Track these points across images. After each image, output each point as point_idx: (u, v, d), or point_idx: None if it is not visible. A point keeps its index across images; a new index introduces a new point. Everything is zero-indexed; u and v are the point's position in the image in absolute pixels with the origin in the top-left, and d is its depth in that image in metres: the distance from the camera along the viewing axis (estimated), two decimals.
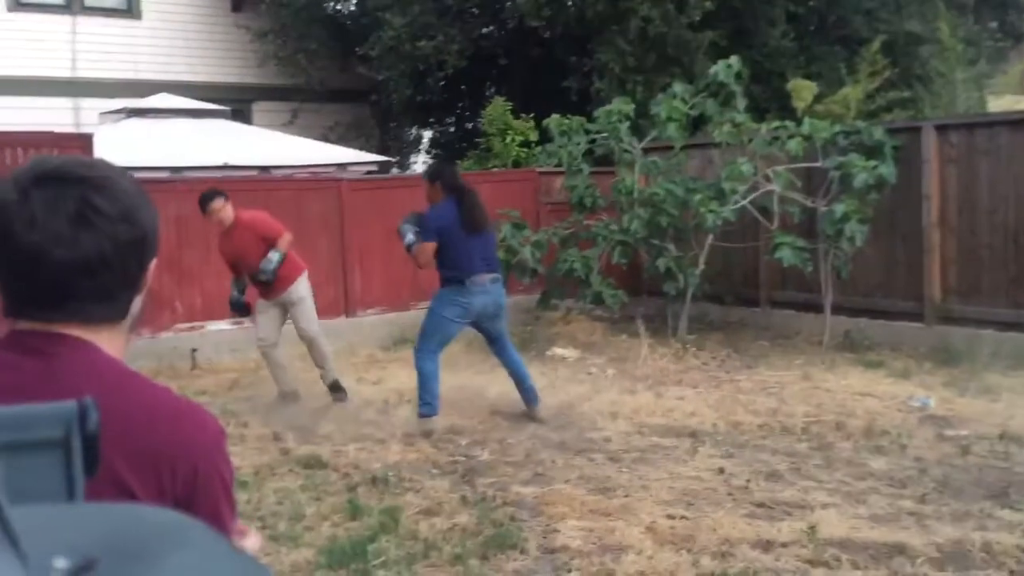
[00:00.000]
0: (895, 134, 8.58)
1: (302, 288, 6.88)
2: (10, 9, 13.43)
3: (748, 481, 4.99)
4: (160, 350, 8.76)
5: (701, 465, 5.32)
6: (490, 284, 6.10)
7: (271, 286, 6.71)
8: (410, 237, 6.10)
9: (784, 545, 4.08)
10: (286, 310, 6.92)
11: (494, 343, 6.40)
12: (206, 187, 9.29)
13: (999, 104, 14.07)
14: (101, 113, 11.99)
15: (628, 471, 5.25)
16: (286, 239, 6.68)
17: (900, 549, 4.01)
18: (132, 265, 1.25)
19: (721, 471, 5.19)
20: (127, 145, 10.38)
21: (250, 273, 6.74)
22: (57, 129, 11.50)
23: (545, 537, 4.23)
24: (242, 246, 6.68)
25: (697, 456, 5.52)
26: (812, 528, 4.22)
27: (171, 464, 1.19)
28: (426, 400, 6.13)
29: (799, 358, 8.29)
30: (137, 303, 1.30)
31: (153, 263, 1.30)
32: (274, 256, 6.59)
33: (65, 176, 1.20)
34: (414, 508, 4.61)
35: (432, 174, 6.41)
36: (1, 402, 1.13)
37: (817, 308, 8.85)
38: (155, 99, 11.88)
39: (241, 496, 4.78)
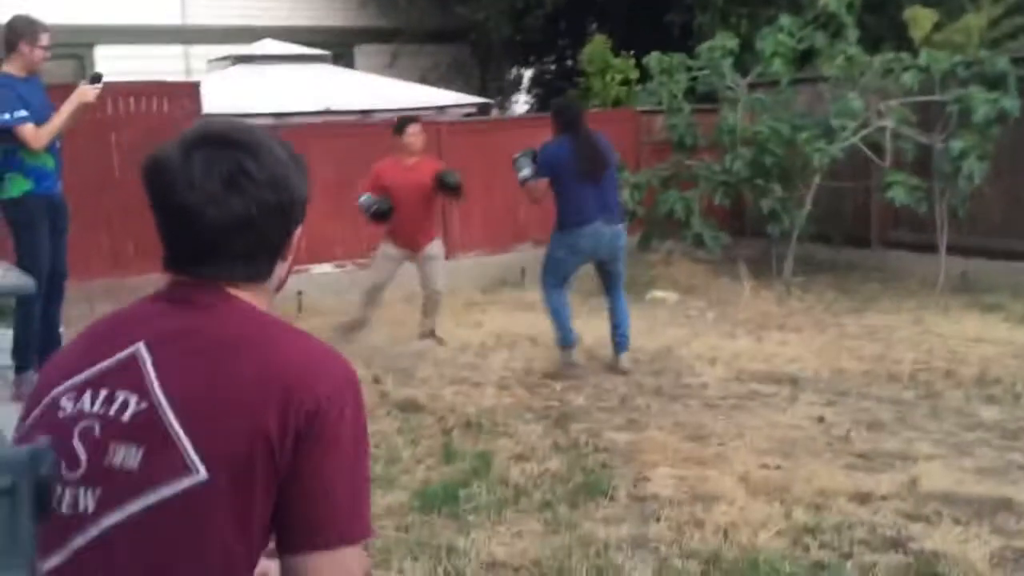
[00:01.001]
0: (1021, 64, 8.05)
1: (438, 247, 7.03)
2: None
3: (849, 430, 4.86)
4: None
5: (800, 413, 5.21)
6: (603, 227, 5.96)
7: (408, 230, 6.73)
8: (526, 172, 6.07)
9: (883, 498, 3.97)
10: (405, 262, 6.99)
11: (608, 286, 6.31)
12: (311, 131, 9.53)
13: None
14: (209, 61, 12.27)
15: (724, 418, 5.17)
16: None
17: (1006, 504, 3.86)
18: (275, 229, 1.32)
19: (821, 420, 5.07)
20: (233, 92, 10.60)
21: (407, 210, 6.72)
22: (168, 77, 11.87)
23: (636, 485, 4.22)
24: (418, 181, 6.71)
25: (797, 404, 5.40)
26: (914, 481, 4.10)
27: (299, 399, 1.21)
28: (558, 332, 6.20)
29: (911, 301, 7.98)
30: (281, 267, 1.37)
31: (299, 231, 1.36)
32: (454, 175, 6.70)
33: (224, 140, 1.29)
34: (507, 453, 4.65)
35: (554, 109, 6.34)
36: (172, 344, 1.25)
37: (932, 249, 8.47)
38: (260, 46, 12.08)
39: None
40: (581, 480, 4.27)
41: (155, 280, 1.48)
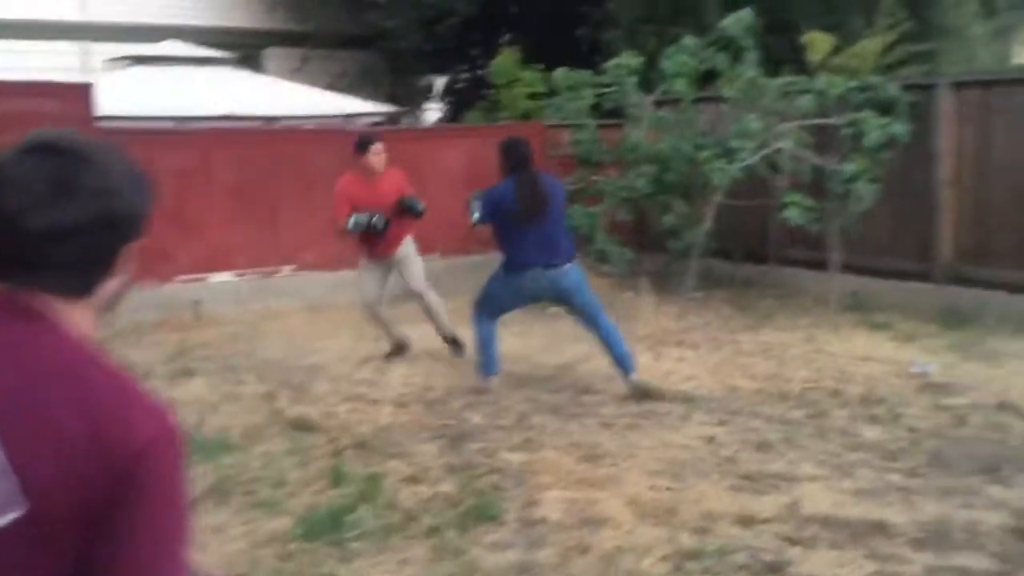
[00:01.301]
0: (910, 90, 8.35)
1: (409, 247, 6.94)
2: None
3: (737, 451, 4.95)
4: (164, 301, 8.79)
5: (692, 433, 5.29)
6: (543, 272, 5.87)
7: (383, 241, 6.70)
8: (476, 215, 6.03)
9: (765, 521, 4.05)
10: (389, 270, 6.94)
11: (583, 321, 6.19)
12: (212, 137, 9.31)
13: None
14: (105, 60, 11.89)
15: (619, 438, 5.22)
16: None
17: (881, 528, 3.97)
18: (104, 242, 1.27)
19: (711, 439, 5.15)
20: (130, 94, 10.31)
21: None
22: (66, 75, 11.47)
23: (526, 508, 4.22)
24: (385, 194, 6.67)
25: (689, 423, 5.48)
26: (795, 503, 4.20)
27: (102, 459, 1.15)
28: (483, 360, 6.17)
29: (804, 318, 8.20)
30: (110, 285, 1.31)
31: (131, 248, 1.31)
32: (419, 203, 6.69)
33: (57, 147, 1.26)
34: (398, 475, 4.61)
35: (500, 149, 6.21)
36: None
37: (826, 267, 8.71)
38: (161, 47, 11.76)
39: (226, 459, 4.81)
40: (472, 503, 4.25)
41: None
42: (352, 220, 6.60)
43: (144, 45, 12.27)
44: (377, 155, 6.72)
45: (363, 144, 6.75)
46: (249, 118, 10.29)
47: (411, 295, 7.01)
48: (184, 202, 9.02)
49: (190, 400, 5.95)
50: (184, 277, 9.04)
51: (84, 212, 1.23)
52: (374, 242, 6.79)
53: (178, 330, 8.28)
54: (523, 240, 5.88)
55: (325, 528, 3.92)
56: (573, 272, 5.99)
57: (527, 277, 5.93)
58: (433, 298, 6.97)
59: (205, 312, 8.86)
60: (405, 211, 6.72)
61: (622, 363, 5.98)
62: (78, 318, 1.27)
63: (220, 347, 7.65)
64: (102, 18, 13.54)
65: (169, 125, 9.72)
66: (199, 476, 4.59)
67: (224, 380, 6.51)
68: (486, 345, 6.18)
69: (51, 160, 1.24)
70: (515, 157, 6.05)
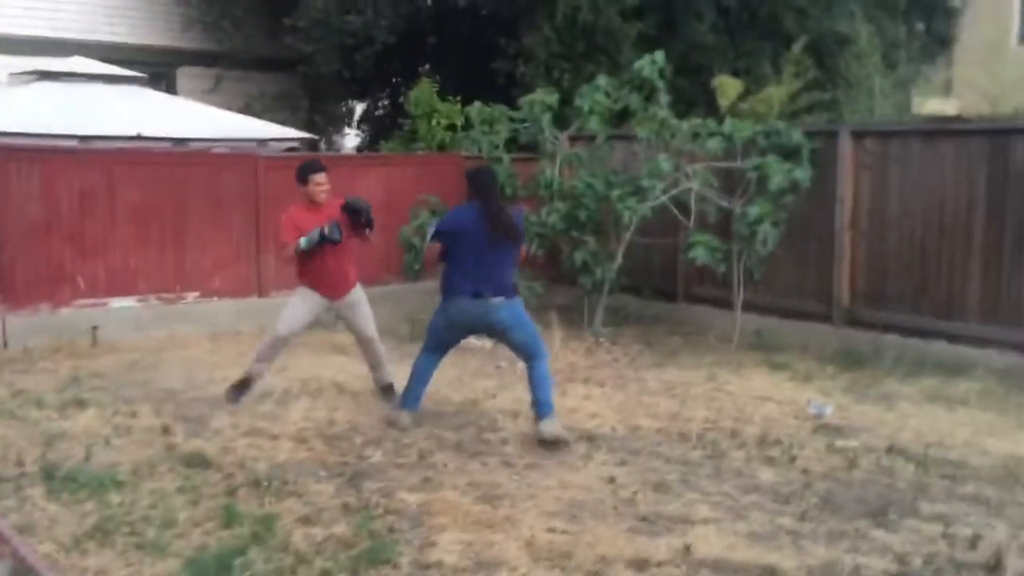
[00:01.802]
0: (813, 137, 8.64)
1: (360, 291, 6.59)
2: None
3: (635, 492, 4.99)
4: (60, 326, 8.50)
5: (592, 473, 5.31)
6: (470, 303, 5.81)
7: (333, 280, 6.42)
8: (431, 232, 5.98)
9: (659, 564, 4.08)
10: (326, 311, 6.59)
11: (519, 356, 6.14)
12: (117, 157, 9.06)
13: (928, 107, 14.28)
14: (11, 74, 11.50)
15: (518, 478, 5.21)
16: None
17: (772, 571, 4.04)
18: None
19: (611, 480, 5.18)
20: (34, 109, 9.99)
21: (328, 257, 6.34)
22: None
23: (421, 551, 4.16)
24: (332, 220, 6.28)
25: (591, 462, 5.50)
26: (688, 546, 4.24)
27: None
28: (408, 395, 6.13)
29: (708, 356, 8.35)
30: None
31: None
32: (362, 200, 6.37)
33: None
34: (293, 515, 4.51)
35: (467, 175, 6.16)
36: None
37: (732, 305, 8.91)
38: (69, 62, 11.43)
39: (114, 499, 4.64)
40: (367, 546, 4.18)
41: None
42: (303, 239, 6.23)
43: (52, 59, 11.90)
44: (319, 186, 6.32)
45: (303, 174, 6.36)
46: (159, 139, 10.05)
47: (361, 341, 6.64)
48: (85, 223, 8.75)
49: (79, 433, 5.74)
50: (82, 301, 8.75)
51: None
52: (325, 279, 6.42)
53: (73, 357, 8.00)
54: (463, 266, 5.82)
55: (213, 572, 3.81)
56: (506, 308, 5.88)
57: (460, 305, 5.88)
58: (379, 346, 6.67)
59: (103, 338, 8.58)
60: (351, 214, 6.34)
61: (540, 409, 5.88)
62: None
63: (116, 376, 7.41)
64: (8, 30, 13.10)
65: (72, 143, 9.43)
66: (81, 515, 4.43)
67: (117, 411, 6.30)
68: (416, 380, 6.14)
69: None
70: (482, 183, 6.02)
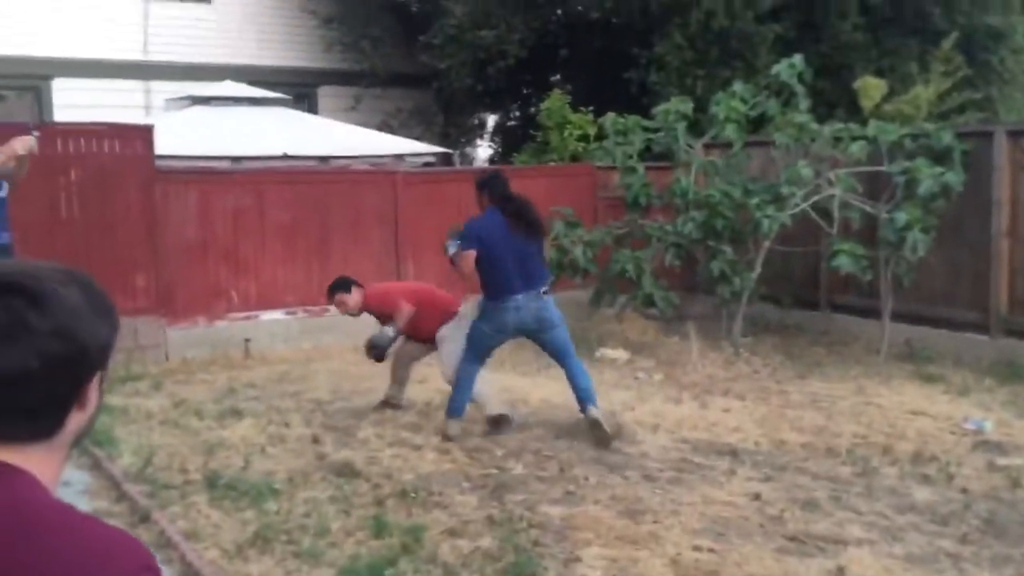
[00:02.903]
0: (965, 138, 8.24)
1: (444, 329, 6.75)
2: None
3: (783, 510, 4.86)
4: (216, 338, 8.95)
5: (737, 489, 5.21)
6: (525, 301, 5.98)
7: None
8: (452, 249, 6.09)
9: None
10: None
11: (555, 357, 6.28)
12: (266, 177, 9.49)
13: None
14: (166, 100, 12.22)
15: (661, 493, 5.16)
16: (404, 314, 6.61)
17: None
18: (63, 382, 1.23)
19: (757, 497, 5.07)
20: (189, 134, 10.57)
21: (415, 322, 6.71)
22: (128, 111, 11.80)
23: (566, 566, 4.18)
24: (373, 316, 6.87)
25: (734, 478, 5.40)
26: (841, 569, 4.10)
27: None
28: (454, 403, 6.21)
29: (855, 368, 8.06)
30: (78, 420, 1.26)
31: (97, 379, 1.27)
32: (388, 331, 6.66)
33: (8, 287, 1.20)
34: (439, 527, 4.60)
35: (479, 183, 6.35)
36: None
37: (878, 314, 8.58)
38: (219, 87, 12.05)
39: (271, 507, 4.85)
40: (512, 560, 4.22)
41: None
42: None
43: (203, 84, 12.58)
44: (339, 305, 6.89)
45: (330, 292, 6.93)
46: (304, 157, 10.47)
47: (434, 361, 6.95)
48: (237, 240, 9.20)
49: (237, 442, 6.02)
50: (235, 315, 9.19)
51: (33, 356, 1.18)
52: (416, 334, 6.78)
53: (228, 368, 8.41)
54: (507, 269, 5.93)
55: None
56: (550, 305, 6.09)
57: (510, 308, 5.96)
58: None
59: (255, 349, 8.99)
60: (370, 350, 6.80)
61: (584, 394, 6.08)
62: (43, 461, 1.23)
63: (268, 386, 7.74)
64: (162, 58, 13.91)
65: (225, 165, 9.93)
66: (242, 522, 4.65)
67: (271, 421, 6.58)
68: (462, 390, 6.21)
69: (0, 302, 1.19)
70: (496, 188, 6.15)
